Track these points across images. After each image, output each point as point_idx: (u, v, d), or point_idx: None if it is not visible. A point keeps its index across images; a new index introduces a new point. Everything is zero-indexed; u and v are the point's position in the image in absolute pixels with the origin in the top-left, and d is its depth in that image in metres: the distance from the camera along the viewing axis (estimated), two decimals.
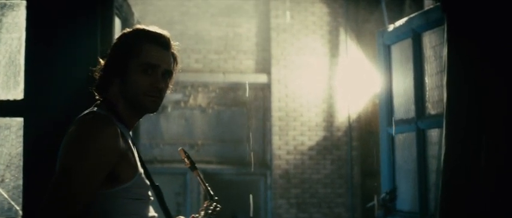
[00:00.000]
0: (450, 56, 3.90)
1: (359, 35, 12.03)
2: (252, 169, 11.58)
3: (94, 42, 3.48)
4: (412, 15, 5.16)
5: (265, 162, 11.76)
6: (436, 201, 4.39)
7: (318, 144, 11.77)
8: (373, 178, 10.80)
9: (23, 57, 3.47)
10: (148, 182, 2.55)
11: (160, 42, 2.59)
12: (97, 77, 2.62)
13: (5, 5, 3.61)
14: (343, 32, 12.03)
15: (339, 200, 11.80)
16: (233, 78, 11.77)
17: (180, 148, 3.08)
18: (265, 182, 11.76)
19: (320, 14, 12.03)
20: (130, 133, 2.63)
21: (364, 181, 11.78)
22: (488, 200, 3.68)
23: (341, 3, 12.10)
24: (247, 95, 11.79)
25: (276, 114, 11.72)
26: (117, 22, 4.36)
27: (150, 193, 2.58)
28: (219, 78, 11.76)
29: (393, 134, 5.47)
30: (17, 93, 3.52)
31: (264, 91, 11.87)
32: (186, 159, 3.03)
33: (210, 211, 2.97)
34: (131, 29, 2.64)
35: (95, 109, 2.52)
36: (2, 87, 3.57)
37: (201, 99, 11.81)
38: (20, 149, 3.47)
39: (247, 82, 11.76)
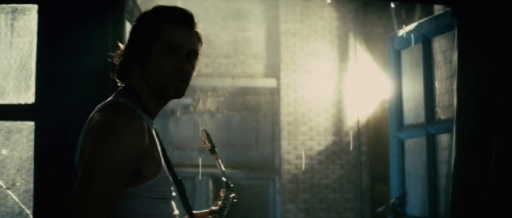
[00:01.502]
0: (461, 61, 3.90)
1: (368, 40, 12.02)
2: (261, 174, 11.58)
3: (105, 46, 3.48)
4: (422, 20, 5.17)
5: (274, 167, 11.75)
6: (446, 206, 4.39)
7: (326, 148, 11.75)
8: (382, 183, 10.78)
9: (34, 61, 3.48)
10: (171, 179, 2.43)
11: (183, 21, 2.44)
12: (117, 63, 2.49)
13: (16, 9, 3.62)
14: (352, 36, 12.02)
15: (348, 205, 11.78)
16: (242, 82, 11.77)
17: (203, 128, 2.98)
18: (274, 186, 11.75)
19: (329, 19, 12.03)
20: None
21: (373, 186, 11.76)
22: (499, 206, 3.67)
23: (350, 8, 12.10)
24: (256, 99, 11.79)
25: (284, 118, 11.71)
26: (128, 26, 4.37)
27: (172, 188, 2.45)
28: (228, 83, 11.76)
29: (403, 139, 5.47)
30: (28, 97, 3.53)
31: (273, 95, 11.87)
32: (206, 141, 2.94)
33: (229, 201, 2.94)
34: (151, 9, 2.50)
35: (118, 98, 2.40)
36: (13, 91, 3.58)
37: (210, 103, 11.81)
38: (31, 153, 3.47)
39: (256, 86, 11.78)
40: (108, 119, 2.24)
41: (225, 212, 2.92)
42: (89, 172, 2.15)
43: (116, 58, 2.50)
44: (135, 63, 2.43)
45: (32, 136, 3.45)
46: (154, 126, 2.47)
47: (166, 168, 2.40)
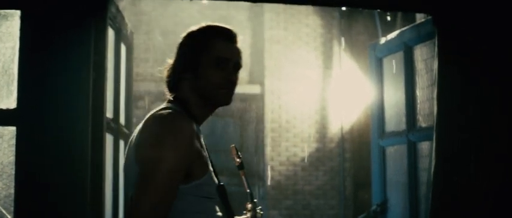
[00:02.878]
0: (440, 69, 3.93)
1: (352, 47, 12.05)
2: None
3: (87, 52, 3.50)
4: (403, 29, 5.19)
5: (257, 173, 11.75)
6: (427, 213, 4.41)
7: (310, 155, 11.77)
8: (365, 190, 10.80)
9: (16, 67, 3.48)
10: (216, 180, 2.60)
11: (230, 37, 2.68)
12: (167, 75, 2.68)
13: None
14: (337, 44, 12.05)
15: (331, 211, 11.79)
16: None
17: (233, 145, 3.14)
18: (258, 193, 11.73)
19: (314, 26, 12.06)
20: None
21: (357, 193, 11.77)
22: (478, 211, 3.70)
23: (335, 15, 12.12)
24: (240, 106, 11.80)
25: (268, 125, 11.72)
26: (111, 32, 4.37)
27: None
28: None
29: (384, 146, 5.50)
30: (10, 102, 3.53)
31: (257, 102, 11.88)
32: (236, 157, 3.07)
33: (257, 213, 3.01)
34: (199, 27, 2.71)
35: (169, 106, 2.57)
36: None
37: None
38: (12, 158, 3.47)
39: (240, 93, 11.78)
40: (164, 121, 2.43)
41: None
42: (146, 178, 2.31)
43: (166, 72, 2.68)
44: (184, 74, 2.61)
45: (14, 141, 3.45)
46: (201, 131, 2.66)
47: (212, 172, 2.58)
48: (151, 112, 2.53)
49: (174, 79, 2.65)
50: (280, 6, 11.81)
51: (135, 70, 10.02)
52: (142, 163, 2.37)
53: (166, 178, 2.29)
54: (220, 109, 2.78)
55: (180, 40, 2.71)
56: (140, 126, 2.50)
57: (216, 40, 2.63)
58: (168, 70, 2.68)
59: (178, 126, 2.39)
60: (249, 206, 3.04)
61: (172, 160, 2.31)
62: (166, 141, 2.34)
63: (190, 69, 2.60)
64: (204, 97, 2.61)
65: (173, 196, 2.34)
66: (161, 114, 2.47)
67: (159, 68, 2.75)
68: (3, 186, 3.59)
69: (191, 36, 2.68)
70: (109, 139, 4.48)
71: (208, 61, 2.58)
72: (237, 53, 2.68)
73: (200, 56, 2.60)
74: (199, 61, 2.60)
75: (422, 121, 4.94)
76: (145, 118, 2.50)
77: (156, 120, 2.45)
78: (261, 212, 3.07)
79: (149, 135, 2.41)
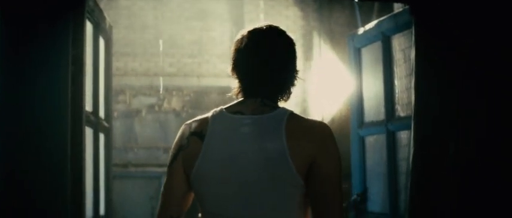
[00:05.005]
0: (418, 59, 3.95)
1: (332, 39, 12.07)
2: None
3: (66, 46, 3.49)
4: (381, 19, 5.20)
5: None
6: (406, 202, 4.44)
7: None
8: (345, 180, 10.82)
9: None
10: None
11: None
12: (289, 82, 2.61)
13: None
14: (317, 35, 12.07)
15: None
16: (207, 81, 11.76)
17: None
18: None
19: (294, 18, 12.07)
20: None
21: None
22: (455, 201, 3.74)
23: (314, 7, 12.15)
24: (221, 99, 11.80)
25: None
26: (89, 26, 4.37)
27: None
28: (193, 82, 11.76)
29: (364, 136, 5.52)
30: None
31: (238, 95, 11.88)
32: None
33: None
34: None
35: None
36: None
37: (176, 102, 11.80)
38: None
39: (221, 86, 11.79)
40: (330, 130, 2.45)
41: None
42: (339, 185, 2.43)
43: (294, 77, 2.62)
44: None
45: None
46: None
47: None
48: (308, 118, 2.50)
49: (290, 85, 2.60)
50: None
51: (116, 64, 10.01)
52: (331, 175, 2.43)
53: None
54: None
55: (284, 40, 2.63)
56: (299, 128, 2.41)
57: None
58: (290, 76, 2.60)
59: None
60: None
61: None
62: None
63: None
64: None
65: None
66: (327, 126, 2.48)
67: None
68: None
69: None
70: (89, 132, 4.48)
71: None
72: None
73: None
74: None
75: (400, 111, 4.97)
76: (307, 123, 2.45)
77: (331, 134, 2.47)
78: None
79: (335, 149, 2.48)
